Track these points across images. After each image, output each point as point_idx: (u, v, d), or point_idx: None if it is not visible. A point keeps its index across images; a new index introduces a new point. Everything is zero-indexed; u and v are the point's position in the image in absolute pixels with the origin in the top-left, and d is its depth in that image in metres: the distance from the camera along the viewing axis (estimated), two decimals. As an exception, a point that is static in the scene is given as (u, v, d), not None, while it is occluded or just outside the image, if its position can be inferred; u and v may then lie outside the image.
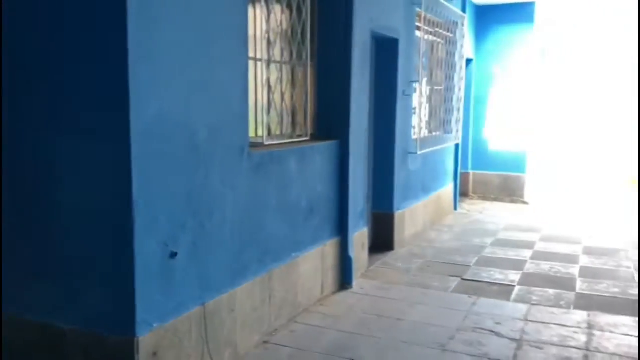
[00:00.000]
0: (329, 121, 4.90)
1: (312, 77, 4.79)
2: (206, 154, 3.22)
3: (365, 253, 5.61)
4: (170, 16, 2.90)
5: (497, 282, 5.36)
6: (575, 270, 5.75)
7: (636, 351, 3.83)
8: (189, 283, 3.14)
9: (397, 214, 6.36)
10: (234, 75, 3.45)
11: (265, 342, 3.87)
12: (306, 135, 4.61)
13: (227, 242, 3.47)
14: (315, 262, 4.61)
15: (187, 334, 3.13)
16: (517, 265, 5.92)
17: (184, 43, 3.00)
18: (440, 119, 7.89)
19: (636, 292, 5.03)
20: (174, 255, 2.99)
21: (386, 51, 6.06)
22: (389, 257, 6.12)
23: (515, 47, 9.74)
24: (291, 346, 3.85)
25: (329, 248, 4.83)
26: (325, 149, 4.71)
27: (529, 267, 5.87)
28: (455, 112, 8.31)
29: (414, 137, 6.78)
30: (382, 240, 6.30)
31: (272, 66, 4.24)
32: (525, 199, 9.97)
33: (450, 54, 7.98)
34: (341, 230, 5.00)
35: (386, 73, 6.08)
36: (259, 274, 3.84)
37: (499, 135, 9.97)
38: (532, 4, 9.58)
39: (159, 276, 2.92)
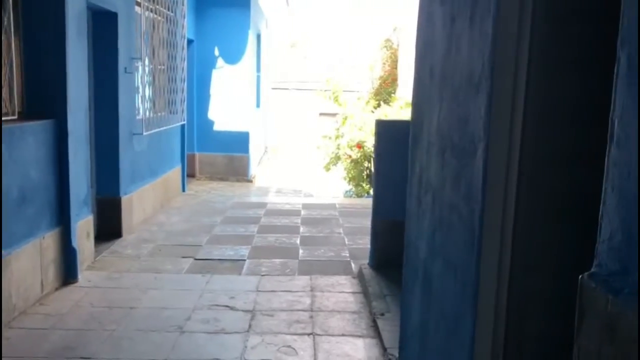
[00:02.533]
0: (43, 98, 4.38)
1: (18, 48, 4.21)
2: None
3: (91, 242, 5.22)
4: None
5: (228, 258, 5.53)
6: (297, 239, 6.26)
7: (352, 305, 4.36)
8: None
9: (125, 198, 6.06)
10: None
11: (-27, 356, 3.33)
12: (13, 114, 4.05)
13: None
14: (31, 257, 4.11)
15: None
16: (246, 240, 6.19)
17: None
18: (165, 99, 7.73)
19: (347, 254, 5.71)
20: None
21: (105, 25, 5.66)
22: (117, 244, 5.80)
23: (233, 30, 10.05)
24: (6, 356, 3.38)
25: (48, 240, 4.35)
26: (39, 129, 4.20)
27: (257, 240, 6.18)
28: (180, 93, 8.23)
29: (139, 117, 6.51)
30: (110, 227, 5.93)
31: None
32: (249, 178, 10.46)
33: (172, 33, 7.84)
34: (62, 219, 4.55)
35: (106, 49, 5.69)
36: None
37: (222, 116, 10.22)
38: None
39: None
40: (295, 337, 3.76)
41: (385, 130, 4.73)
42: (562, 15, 1.71)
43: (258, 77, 11.96)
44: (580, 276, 1.13)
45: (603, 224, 1.08)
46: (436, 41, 2.52)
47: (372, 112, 12.23)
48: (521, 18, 1.75)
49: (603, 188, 1.09)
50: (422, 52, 2.78)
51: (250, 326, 3.92)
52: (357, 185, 11.20)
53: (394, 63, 16.89)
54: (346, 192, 12.35)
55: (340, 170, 12.52)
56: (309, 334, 3.81)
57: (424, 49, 2.75)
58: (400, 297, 3.10)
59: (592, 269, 1.11)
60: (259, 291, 4.62)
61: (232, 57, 10.04)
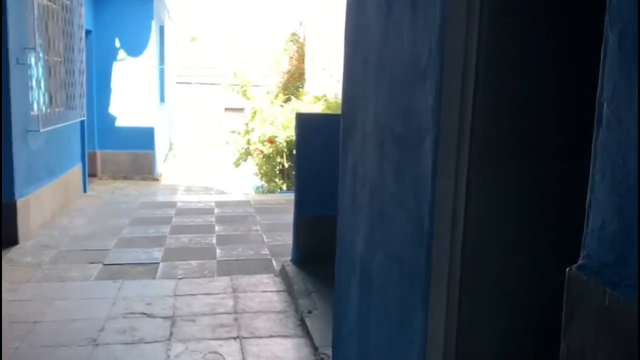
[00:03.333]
0: None
1: None
2: None
3: (-18, 251, 4.71)
4: None
5: (140, 261, 5.20)
6: (212, 239, 6.02)
7: (277, 304, 4.22)
8: None
9: (20, 201, 5.54)
10: None
11: None
12: None
13: None
14: None
15: None
16: (158, 241, 5.87)
17: None
18: (63, 94, 7.17)
19: (267, 252, 5.56)
20: None
21: (-9, 11, 5.12)
22: (13, 252, 5.29)
23: (135, 21, 9.54)
24: None
25: None
26: None
27: (170, 242, 5.88)
28: (78, 86, 7.67)
29: (34, 113, 5.97)
30: (3, 233, 5.40)
31: None
32: (156, 176, 10.01)
33: (69, 23, 7.28)
34: (-52, 227, 4.05)
35: (-6, 37, 5.15)
36: None
37: (125, 111, 9.69)
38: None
39: None
40: (220, 342, 3.58)
41: (306, 124, 4.63)
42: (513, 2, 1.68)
43: (162, 70, 11.47)
44: (567, 269, 1.07)
45: (592, 213, 1.03)
46: (370, 28, 2.43)
47: (282, 106, 12.11)
48: (470, 2, 1.69)
49: (590, 175, 1.04)
50: (354, 40, 2.69)
51: (171, 334, 3.68)
52: (269, 180, 11.04)
53: (301, 57, 16.86)
54: (257, 187, 12.16)
55: (251, 166, 12.31)
56: (235, 338, 3.63)
57: (355, 37, 2.66)
58: (334, 293, 3.01)
59: (581, 261, 1.05)
60: (177, 295, 4.37)
61: (134, 49, 9.53)
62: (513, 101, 1.73)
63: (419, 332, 1.89)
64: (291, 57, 17.06)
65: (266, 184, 11.28)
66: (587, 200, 1.04)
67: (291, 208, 7.60)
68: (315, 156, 4.63)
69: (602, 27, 1.03)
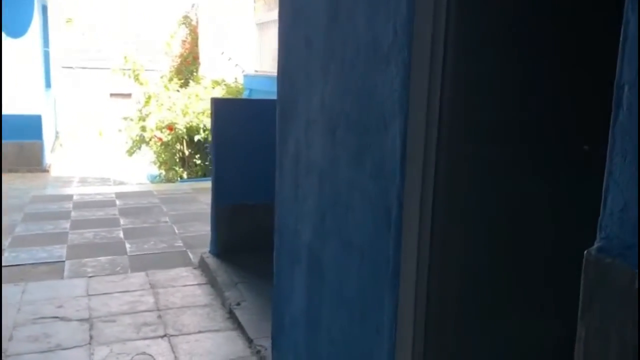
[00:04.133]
0: None
1: None
2: None
3: None
4: None
5: (43, 261, 4.79)
6: (119, 233, 5.68)
7: (201, 298, 4.06)
8: None
9: None
10: None
11: None
12: None
13: None
14: None
15: None
16: (59, 238, 5.43)
17: None
18: None
19: (181, 244, 5.34)
20: None
21: None
22: None
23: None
24: None
25: None
26: None
27: (73, 238, 5.46)
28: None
29: None
30: None
31: None
32: (45, 167, 9.28)
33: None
34: None
35: None
36: None
37: (7, 97, 8.86)
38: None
39: None
40: (147, 341, 3.37)
41: (224, 109, 4.45)
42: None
43: (46, 53, 10.59)
44: (585, 251, 1.08)
45: (611, 196, 1.04)
46: (313, 8, 2.35)
47: (178, 91, 11.65)
48: (438, -15, 1.67)
49: (608, 158, 1.05)
50: (292, 21, 2.59)
51: (91, 337, 3.41)
52: (169, 169, 10.61)
53: (194, 40, 16.30)
54: (154, 177, 11.66)
55: (147, 155, 11.77)
56: (162, 336, 3.44)
57: (294, 17, 2.57)
58: (266, 284, 2.93)
59: (599, 243, 1.06)
60: (91, 295, 4.07)
61: (16, 30, 8.70)
62: (481, 85, 1.74)
63: (388, 319, 1.87)
64: (184, 40, 16.46)
65: (165, 173, 10.84)
66: (605, 184, 1.05)
67: (199, 197, 7.40)
68: (235, 143, 4.48)
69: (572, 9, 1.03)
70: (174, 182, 10.20)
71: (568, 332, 2.20)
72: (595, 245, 1.06)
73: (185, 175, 10.54)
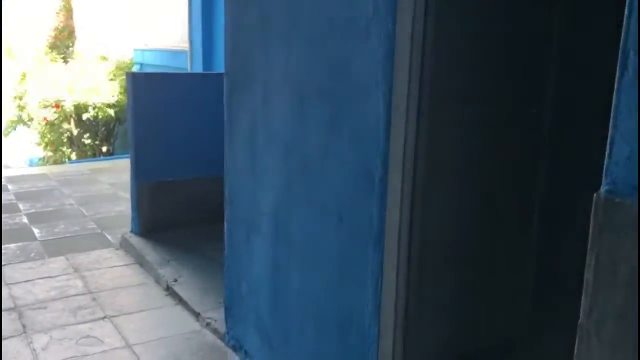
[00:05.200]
0: None
1: None
2: None
3: None
4: None
5: (-59, 252, 4.39)
6: (22, 218, 5.32)
7: (132, 278, 3.97)
8: None
9: None
10: None
11: None
12: None
13: None
14: None
15: None
16: (-47, 228, 4.98)
17: None
18: None
19: (94, 225, 5.12)
20: None
21: None
22: None
23: None
24: None
25: None
26: None
27: (-31, 227, 5.03)
28: None
29: None
30: None
31: None
32: None
33: None
34: None
35: None
36: None
37: None
38: None
39: None
40: (88, 324, 3.26)
41: (142, 85, 4.29)
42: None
43: None
44: (594, 195, 1.27)
45: (616, 146, 1.23)
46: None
47: (60, 65, 10.90)
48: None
49: (612, 115, 1.24)
50: (244, 1, 2.59)
51: (24, 326, 3.23)
52: (55, 150, 9.94)
53: (68, 13, 15.24)
54: (38, 160, 10.89)
55: (27, 135, 10.96)
56: (102, 318, 3.35)
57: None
58: (226, 254, 2.96)
59: (606, 187, 1.26)
60: (10, 284, 3.82)
61: None
62: (456, 55, 1.90)
63: (372, 274, 2.00)
64: (57, 13, 15.32)
65: (52, 154, 10.15)
66: (610, 136, 1.25)
67: (98, 177, 7.09)
68: (155, 119, 4.36)
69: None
70: (62, 164, 9.60)
71: (539, 284, 2.49)
72: (603, 189, 1.26)
73: (74, 156, 9.95)
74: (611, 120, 1.24)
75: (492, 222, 2.14)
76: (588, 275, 1.29)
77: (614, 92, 1.23)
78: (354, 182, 2.05)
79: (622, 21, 1.16)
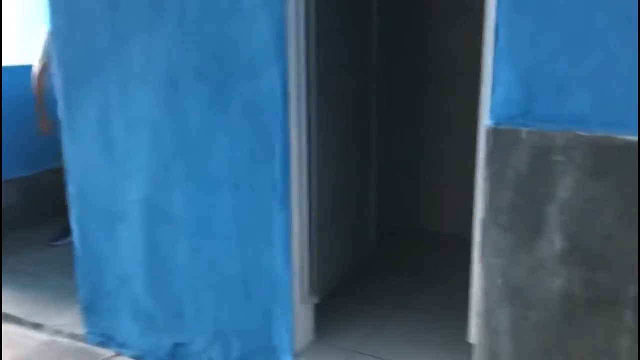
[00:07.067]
0: None
1: None
2: None
3: None
4: None
5: None
6: None
7: None
8: None
9: None
10: None
11: None
12: None
13: None
14: None
15: None
16: None
17: None
18: None
19: None
20: None
21: None
22: None
23: None
24: None
25: None
26: None
27: None
28: None
29: None
30: None
31: None
32: None
33: None
34: None
35: None
36: None
37: None
38: None
39: None
40: None
41: None
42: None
43: None
44: (484, 127, 1.82)
45: (496, 92, 1.80)
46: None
47: None
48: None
49: (493, 67, 1.78)
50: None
51: None
52: None
53: None
54: None
55: None
56: None
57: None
58: (77, 253, 2.84)
59: (491, 121, 1.81)
60: None
61: None
62: (336, 30, 2.29)
63: (278, 233, 2.30)
64: None
65: None
66: (491, 86, 1.80)
67: None
68: None
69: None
70: None
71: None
72: (491, 122, 1.82)
73: None
74: (491, 75, 1.80)
75: (352, 168, 2.63)
76: (485, 184, 1.85)
77: (492, 55, 1.79)
78: (249, 152, 2.29)
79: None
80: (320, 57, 2.25)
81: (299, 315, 2.44)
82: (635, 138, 1.61)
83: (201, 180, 2.44)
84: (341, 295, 2.85)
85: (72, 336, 3.01)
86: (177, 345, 2.70)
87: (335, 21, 2.36)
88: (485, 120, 1.85)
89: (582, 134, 1.70)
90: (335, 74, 2.37)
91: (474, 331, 1.98)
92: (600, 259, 1.72)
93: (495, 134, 1.82)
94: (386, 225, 3.55)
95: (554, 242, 1.77)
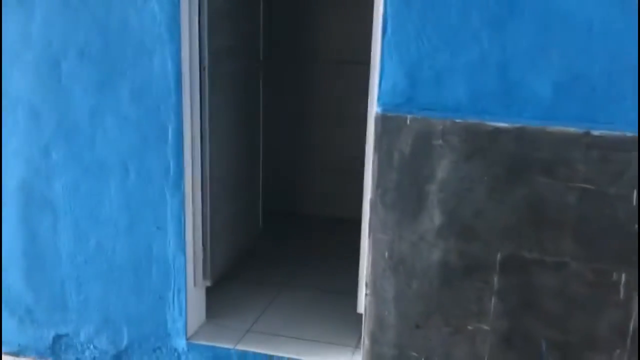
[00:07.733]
0: None
1: None
2: None
3: None
4: None
5: None
6: None
7: None
8: None
9: None
10: None
11: None
12: None
13: None
14: None
15: None
16: None
17: None
18: None
19: None
20: None
21: None
22: None
23: None
24: None
25: None
26: None
27: None
28: None
29: None
30: None
31: None
32: None
33: None
34: None
35: None
36: None
37: None
38: None
39: None
40: None
41: None
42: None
43: None
44: (374, 114, 1.96)
45: (384, 81, 1.94)
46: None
47: None
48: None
49: (380, 60, 1.92)
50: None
51: None
52: None
53: None
54: None
55: None
56: None
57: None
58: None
59: (380, 108, 1.96)
60: None
61: None
62: (226, 14, 2.31)
63: (172, 214, 2.30)
64: None
65: None
66: (379, 73, 1.95)
67: None
68: None
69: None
70: None
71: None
72: (379, 109, 1.96)
73: None
74: (380, 62, 1.94)
75: (242, 153, 2.68)
76: (373, 166, 2.01)
77: (380, 47, 1.93)
78: (140, 135, 2.26)
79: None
80: (212, 41, 2.26)
81: (192, 299, 2.46)
82: (504, 125, 1.85)
83: (86, 164, 2.35)
84: (232, 278, 2.89)
85: None
86: (59, 337, 2.59)
87: (225, 5, 2.38)
88: (374, 108, 2.00)
89: (457, 120, 1.90)
90: (226, 58, 2.40)
91: (363, 302, 2.14)
92: (472, 231, 1.95)
93: (383, 120, 1.97)
94: (273, 210, 3.63)
95: (434, 217, 1.97)
